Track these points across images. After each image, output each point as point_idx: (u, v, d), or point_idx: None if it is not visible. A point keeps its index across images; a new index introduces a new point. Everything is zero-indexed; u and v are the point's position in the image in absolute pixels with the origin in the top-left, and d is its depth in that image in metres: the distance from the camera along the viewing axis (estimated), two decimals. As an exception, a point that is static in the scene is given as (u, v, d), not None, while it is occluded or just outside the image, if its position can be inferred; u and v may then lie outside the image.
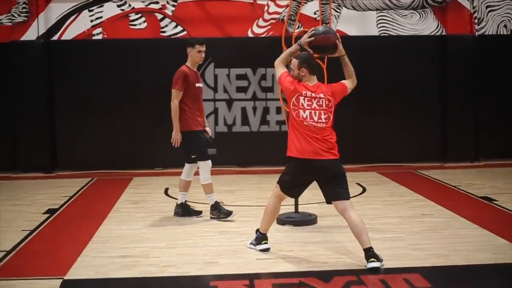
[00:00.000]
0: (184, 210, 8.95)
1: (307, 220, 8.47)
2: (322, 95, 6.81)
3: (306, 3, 13.00)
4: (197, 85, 8.67)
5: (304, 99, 6.77)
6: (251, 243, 7.35)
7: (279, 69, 7.05)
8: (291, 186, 7.01)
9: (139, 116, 13.20)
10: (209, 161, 8.72)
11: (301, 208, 8.68)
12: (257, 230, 7.32)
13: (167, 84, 12.99)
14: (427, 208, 9.38)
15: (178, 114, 8.63)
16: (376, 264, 6.50)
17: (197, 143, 8.63)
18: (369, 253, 6.55)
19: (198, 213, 8.94)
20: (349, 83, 7.08)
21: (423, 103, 13.70)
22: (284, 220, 8.39)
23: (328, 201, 6.90)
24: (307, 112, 6.74)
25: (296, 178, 6.93)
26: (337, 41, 6.98)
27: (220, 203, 8.83)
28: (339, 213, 6.86)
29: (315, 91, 6.81)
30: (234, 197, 9.82)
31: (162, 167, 13.22)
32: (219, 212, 8.70)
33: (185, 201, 8.98)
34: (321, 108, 6.77)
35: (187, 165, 8.93)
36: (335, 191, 6.78)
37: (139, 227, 8.48)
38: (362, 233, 6.62)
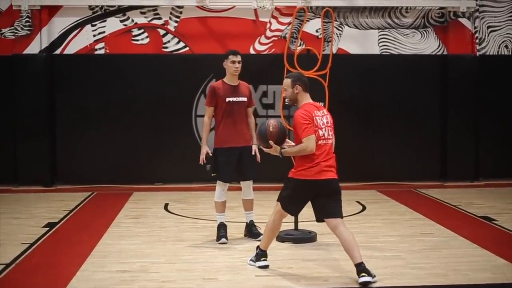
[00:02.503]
0: (247, 230, 8.77)
1: (307, 237, 8.47)
2: (324, 111, 6.91)
3: (308, 21, 13.06)
4: (228, 99, 8.37)
5: (319, 118, 6.79)
6: (251, 260, 7.35)
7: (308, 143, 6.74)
8: (292, 203, 7.01)
9: (140, 131, 13.23)
10: (224, 182, 8.49)
11: (300, 225, 8.68)
12: (258, 247, 7.32)
13: (168, 99, 13.17)
14: (427, 227, 9.38)
15: (207, 130, 8.49)
16: (367, 279, 6.50)
17: (215, 161, 8.39)
18: (360, 268, 6.55)
19: (257, 235, 8.48)
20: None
21: (423, 122, 13.73)
22: (283, 237, 8.39)
23: (320, 219, 6.91)
24: (323, 130, 6.77)
25: (297, 195, 6.92)
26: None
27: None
28: (331, 230, 6.88)
29: (319, 108, 6.90)
30: (234, 213, 9.81)
31: (162, 183, 13.22)
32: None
33: (250, 220, 8.73)
34: (328, 124, 6.84)
35: (241, 183, 8.66)
36: (330, 208, 6.80)
37: (138, 242, 8.48)
38: (353, 248, 6.63)
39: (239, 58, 8.47)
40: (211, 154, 8.36)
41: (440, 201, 11.67)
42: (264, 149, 7.08)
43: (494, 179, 13.74)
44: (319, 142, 6.72)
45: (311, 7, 13.18)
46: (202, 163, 8.38)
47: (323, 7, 13.19)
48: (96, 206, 11.31)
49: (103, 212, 10.63)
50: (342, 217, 6.85)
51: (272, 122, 7.05)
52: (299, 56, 9.35)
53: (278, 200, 7.08)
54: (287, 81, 7.01)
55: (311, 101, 6.94)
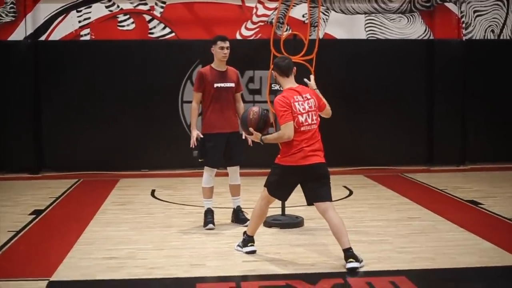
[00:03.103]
0: (234, 216, 8.77)
1: (294, 222, 8.48)
2: (308, 95, 6.84)
3: (295, 6, 13.02)
4: (216, 85, 8.32)
5: (298, 103, 6.72)
6: (238, 245, 7.35)
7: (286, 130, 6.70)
8: (279, 188, 6.99)
9: (126, 117, 13.17)
10: (211, 167, 8.47)
11: (288, 211, 8.69)
12: (244, 233, 7.32)
13: (154, 85, 13.11)
14: (414, 211, 9.40)
15: (195, 114, 8.45)
16: (355, 264, 6.52)
17: (202, 146, 8.32)
18: (348, 253, 6.56)
19: (244, 221, 8.46)
20: (327, 108, 7.04)
21: (410, 107, 13.73)
22: (271, 223, 8.39)
23: (310, 202, 6.90)
24: (304, 116, 6.72)
25: (284, 180, 6.90)
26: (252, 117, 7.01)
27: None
28: (320, 214, 6.88)
29: (300, 92, 6.81)
30: (221, 199, 9.79)
31: (148, 169, 13.19)
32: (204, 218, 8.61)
33: (237, 206, 8.71)
34: (312, 109, 6.78)
35: (228, 169, 8.64)
36: (319, 192, 6.79)
37: (125, 228, 8.46)
38: (342, 233, 6.63)
39: (227, 44, 8.44)
40: (201, 137, 8.31)
41: (427, 186, 11.70)
42: (246, 135, 7.00)
43: (480, 163, 13.78)
44: (302, 128, 6.69)
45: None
46: (193, 146, 8.33)
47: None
48: (82, 193, 11.27)
49: (90, 199, 10.60)
50: (331, 200, 6.84)
51: (253, 109, 7.06)
52: (285, 41, 9.32)
53: (265, 186, 7.06)
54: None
55: (293, 85, 6.88)
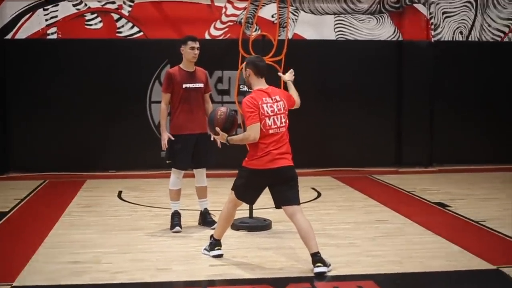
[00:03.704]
0: (201, 218, 8.68)
1: (262, 225, 8.42)
2: (278, 97, 6.76)
3: (264, 6, 12.95)
4: (185, 85, 8.22)
5: (266, 105, 6.63)
6: (205, 249, 7.26)
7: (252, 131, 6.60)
8: (247, 192, 6.92)
9: (93, 117, 13.01)
10: (179, 169, 8.37)
11: (255, 213, 8.63)
12: (211, 236, 7.24)
13: (122, 84, 12.97)
14: (382, 214, 9.40)
15: (164, 116, 8.36)
16: (322, 269, 6.46)
17: (171, 148, 8.21)
18: (316, 258, 6.49)
19: (211, 224, 8.40)
20: (297, 101, 7.12)
21: (378, 108, 13.74)
22: (238, 226, 8.32)
23: (278, 206, 6.83)
24: (272, 118, 6.63)
25: (251, 184, 6.82)
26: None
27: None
28: (288, 217, 6.81)
29: (270, 94, 6.72)
30: (189, 201, 9.67)
31: (115, 170, 13.04)
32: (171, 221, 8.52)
33: (204, 208, 8.62)
34: (281, 111, 6.70)
35: (194, 170, 8.55)
36: (287, 195, 6.71)
37: (91, 231, 8.34)
38: (309, 237, 6.55)
39: (197, 44, 8.37)
40: (173, 139, 8.21)
41: (395, 187, 11.72)
42: (212, 135, 6.91)
43: (448, 165, 13.83)
44: (270, 132, 6.60)
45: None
46: (164, 149, 8.22)
47: (279, -8, 13.18)
48: (48, 195, 11.13)
49: (55, 200, 10.46)
50: (299, 204, 6.77)
51: (221, 109, 6.97)
52: (254, 41, 9.26)
53: (232, 189, 6.98)
54: (243, 65, 6.94)
55: (263, 86, 6.79)
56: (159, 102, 8.54)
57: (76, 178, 12.52)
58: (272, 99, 6.70)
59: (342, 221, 8.96)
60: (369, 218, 9.12)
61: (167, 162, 8.33)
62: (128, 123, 13.01)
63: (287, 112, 6.80)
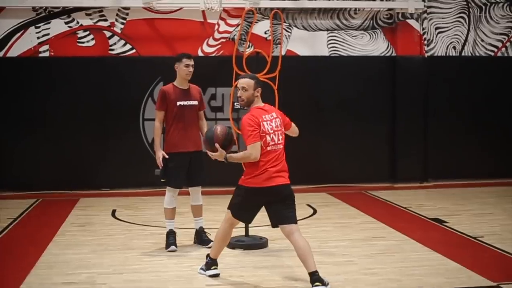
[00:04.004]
0: (196, 237, 8.58)
1: (258, 243, 8.33)
2: (274, 114, 6.74)
3: (257, 22, 12.92)
4: (179, 103, 8.16)
5: (266, 122, 6.61)
6: (201, 269, 7.18)
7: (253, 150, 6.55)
8: (243, 211, 6.84)
9: (86, 135, 12.91)
10: (174, 188, 8.28)
11: (251, 231, 8.54)
12: (208, 255, 7.15)
13: (115, 102, 12.90)
14: (378, 231, 9.32)
15: (158, 134, 8.27)
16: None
17: (165, 166, 8.12)
18: (314, 277, 6.37)
19: (207, 242, 8.31)
20: (293, 126, 7.06)
21: (372, 123, 13.69)
22: (234, 244, 8.23)
23: (275, 225, 6.74)
24: (271, 136, 6.60)
25: (248, 202, 6.75)
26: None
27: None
28: (285, 236, 6.71)
29: (268, 111, 6.71)
30: (183, 219, 9.59)
31: (109, 188, 12.93)
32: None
33: (199, 227, 8.50)
34: (278, 128, 6.68)
35: (190, 189, 8.47)
36: (284, 214, 6.63)
37: (85, 251, 8.23)
38: (307, 256, 6.44)
39: (192, 62, 8.32)
40: (167, 157, 8.13)
41: (390, 203, 11.66)
42: (209, 153, 6.85)
43: (442, 180, 13.78)
44: (268, 148, 6.56)
45: (259, 9, 13.03)
46: (160, 167, 8.14)
47: (271, 9, 13.13)
48: (41, 214, 11.00)
49: (49, 220, 10.33)
50: (296, 223, 6.68)
51: (219, 126, 6.90)
52: (247, 58, 9.17)
53: (228, 208, 6.90)
54: (249, 82, 6.73)
55: (261, 104, 6.75)
56: (153, 119, 8.48)
57: (69, 196, 12.41)
58: (270, 116, 6.67)
59: (339, 238, 8.88)
60: (365, 235, 9.05)
61: (162, 180, 8.25)
62: (121, 140, 12.92)
63: (283, 130, 6.77)
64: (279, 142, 6.65)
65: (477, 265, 7.36)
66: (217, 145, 6.73)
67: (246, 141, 6.54)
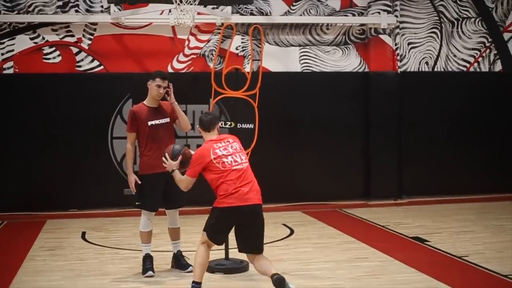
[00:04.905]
0: (174, 261, 8.20)
1: (239, 267, 8.00)
2: (230, 140, 6.93)
3: (224, 40, 12.60)
4: (151, 123, 7.82)
5: (219, 149, 6.75)
6: None
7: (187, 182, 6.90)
8: (217, 232, 6.75)
9: (53, 154, 12.47)
10: (150, 211, 7.93)
11: (230, 253, 8.21)
12: (193, 282, 6.79)
13: (82, 120, 12.51)
14: (360, 251, 9.06)
15: (131, 157, 7.91)
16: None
17: (140, 188, 7.82)
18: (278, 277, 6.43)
19: (186, 267, 8.00)
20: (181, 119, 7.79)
21: (346, 140, 13.50)
22: (214, 268, 7.89)
23: (242, 251, 6.78)
24: (230, 157, 6.73)
25: (221, 223, 6.71)
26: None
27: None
28: (249, 260, 6.90)
29: (221, 140, 6.89)
30: (156, 241, 9.17)
31: (77, 209, 12.50)
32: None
33: (177, 251, 8.14)
34: (237, 150, 6.83)
35: (167, 211, 8.12)
36: (253, 242, 6.70)
37: (57, 277, 7.80)
38: (268, 268, 6.59)
39: (165, 83, 7.93)
40: (140, 182, 7.78)
41: (367, 222, 11.43)
42: (164, 159, 7.02)
43: (416, 196, 13.60)
44: (233, 167, 6.66)
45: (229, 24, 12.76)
46: (133, 192, 7.79)
47: (242, 24, 12.91)
48: (7, 238, 10.52)
49: (16, 244, 9.88)
50: (262, 251, 6.73)
51: (188, 150, 7.15)
52: (217, 75, 8.85)
53: (204, 230, 6.73)
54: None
55: (214, 137, 6.92)
56: (122, 137, 8.16)
57: (35, 218, 11.93)
58: (224, 142, 6.85)
59: (321, 260, 8.59)
60: (348, 256, 8.78)
61: (136, 204, 7.89)
62: (89, 159, 12.53)
63: (244, 152, 6.91)
64: (242, 161, 6.76)
65: (466, 286, 7.15)
66: (180, 157, 6.97)
67: (187, 170, 6.83)
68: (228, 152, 6.72)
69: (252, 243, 6.67)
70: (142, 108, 7.94)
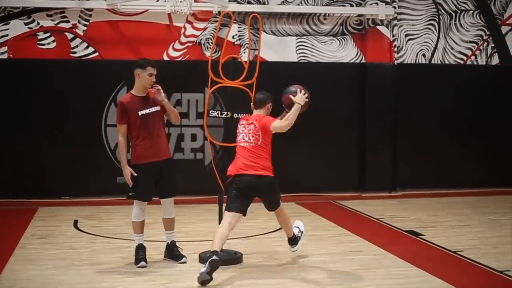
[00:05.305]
0: (168, 251, 8.09)
1: (233, 258, 7.91)
2: (250, 121, 7.67)
3: (221, 28, 12.48)
4: (141, 112, 7.67)
5: (240, 126, 7.74)
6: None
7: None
8: (232, 200, 7.53)
9: (46, 141, 12.39)
10: (143, 201, 7.82)
11: (224, 245, 8.11)
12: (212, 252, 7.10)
13: (76, 107, 12.39)
14: (354, 244, 8.99)
15: (124, 150, 7.75)
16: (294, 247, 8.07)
17: (134, 178, 7.67)
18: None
19: (179, 257, 7.94)
20: (276, 123, 7.73)
21: (341, 131, 13.43)
22: (207, 259, 7.80)
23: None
24: (241, 135, 7.67)
25: (235, 191, 7.55)
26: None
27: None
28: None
29: (248, 119, 7.78)
30: (149, 231, 9.08)
31: (69, 196, 12.40)
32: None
33: (171, 241, 8.03)
34: (249, 132, 7.61)
35: (162, 201, 8.01)
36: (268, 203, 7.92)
37: (49, 266, 7.70)
38: (288, 224, 8.07)
39: (155, 71, 7.83)
40: (135, 174, 7.67)
41: (362, 214, 11.36)
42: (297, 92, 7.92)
43: (411, 189, 13.56)
44: (240, 145, 7.66)
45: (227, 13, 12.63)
46: (130, 185, 7.68)
47: (239, 13, 12.79)
48: (-1, 225, 10.44)
49: (7, 232, 9.75)
50: (279, 204, 8.04)
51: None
52: (214, 64, 8.73)
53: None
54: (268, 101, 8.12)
55: (257, 113, 7.85)
56: (115, 125, 7.93)
57: (27, 205, 11.82)
58: (246, 122, 7.74)
59: (315, 252, 8.50)
60: (342, 249, 8.71)
61: (130, 194, 7.78)
62: (82, 147, 12.43)
63: (257, 134, 7.61)
64: (249, 141, 7.59)
65: (463, 282, 7.08)
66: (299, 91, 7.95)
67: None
68: (243, 131, 7.68)
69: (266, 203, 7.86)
70: (131, 98, 7.80)
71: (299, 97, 7.73)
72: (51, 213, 11.27)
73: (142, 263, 7.69)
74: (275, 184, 7.83)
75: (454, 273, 7.49)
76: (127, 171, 7.66)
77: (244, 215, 7.57)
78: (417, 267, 7.69)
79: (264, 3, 13.13)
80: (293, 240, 8.08)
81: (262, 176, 7.60)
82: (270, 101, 7.98)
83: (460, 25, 13.92)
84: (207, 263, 6.92)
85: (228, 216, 7.41)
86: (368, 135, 13.42)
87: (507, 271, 7.50)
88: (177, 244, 8.08)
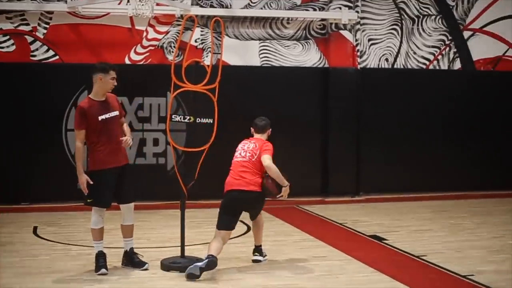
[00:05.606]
0: (127, 259, 7.93)
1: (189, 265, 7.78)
2: (251, 141, 8.18)
3: (185, 31, 12.38)
4: (101, 117, 7.52)
5: (241, 144, 8.23)
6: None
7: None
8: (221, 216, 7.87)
9: (4, 145, 12.15)
10: (103, 208, 7.67)
11: (187, 251, 8.01)
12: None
13: (36, 111, 12.19)
14: (318, 249, 8.95)
15: (80, 155, 7.56)
16: (259, 258, 8.20)
17: (93, 185, 7.50)
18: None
19: (140, 264, 7.83)
20: (269, 161, 8.08)
21: (304, 136, 13.38)
22: (169, 266, 7.71)
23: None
24: (239, 151, 8.13)
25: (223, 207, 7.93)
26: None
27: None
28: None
29: (250, 139, 8.28)
30: (110, 237, 8.90)
31: (29, 202, 12.18)
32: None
33: (130, 248, 7.88)
34: (246, 150, 8.07)
35: (122, 207, 7.85)
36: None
37: (8, 275, 7.52)
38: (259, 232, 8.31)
39: (115, 74, 7.72)
40: (91, 183, 7.50)
41: (325, 219, 11.33)
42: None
43: (374, 193, 13.56)
44: (234, 160, 8.09)
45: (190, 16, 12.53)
46: (85, 193, 7.51)
47: (202, 16, 12.70)
48: (-45, 231, 10.21)
49: (-36, 238, 9.58)
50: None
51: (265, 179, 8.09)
52: (177, 68, 8.62)
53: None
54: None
55: (256, 137, 8.34)
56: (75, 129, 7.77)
57: (-15, 211, 11.61)
58: (247, 141, 8.23)
59: (279, 258, 8.44)
60: (306, 254, 8.64)
61: (88, 201, 7.62)
62: (42, 152, 12.21)
63: (255, 152, 8.00)
64: (244, 156, 8.00)
65: (426, 287, 7.05)
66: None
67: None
68: (241, 148, 8.17)
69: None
70: (90, 103, 7.64)
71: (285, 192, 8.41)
72: (10, 219, 11.05)
73: (103, 270, 7.55)
74: (260, 199, 8.04)
75: (418, 278, 7.49)
76: (84, 178, 7.49)
77: (232, 230, 7.94)
78: (380, 272, 7.67)
79: (227, 7, 13.05)
80: (260, 251, 8.27)
81: (246, 192, 7.81)
82: (270, 127, 8.48)
83: (423, 29, 13.98)
84: (206, 260, 7.28)
85: (219, 233, 7.71)
86: (331, 139, 13.40)
87: (471, 276, 7.51)
88: (139, 250, 7.95)
